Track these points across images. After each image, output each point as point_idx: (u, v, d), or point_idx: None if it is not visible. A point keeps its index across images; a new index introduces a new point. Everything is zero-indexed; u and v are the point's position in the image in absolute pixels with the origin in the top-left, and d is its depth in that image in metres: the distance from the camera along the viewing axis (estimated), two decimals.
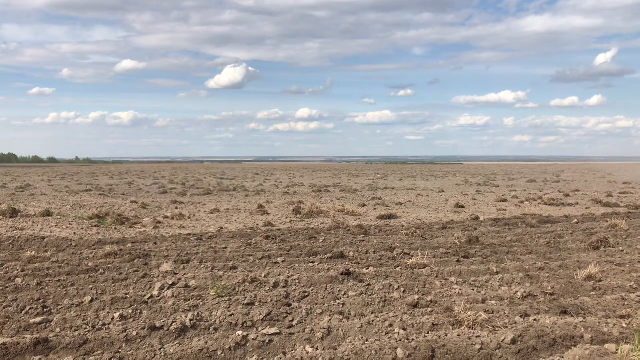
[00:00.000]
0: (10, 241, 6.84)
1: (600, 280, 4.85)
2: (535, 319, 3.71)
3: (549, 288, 4.52)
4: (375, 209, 11.82)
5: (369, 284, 4.63)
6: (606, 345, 3.24)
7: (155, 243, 6.86)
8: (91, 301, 4.10)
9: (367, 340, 3.34)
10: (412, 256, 5.84)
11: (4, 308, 3.96)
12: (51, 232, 7.86)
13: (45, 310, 3.95)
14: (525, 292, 4.39)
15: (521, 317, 3.76)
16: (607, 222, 8.72)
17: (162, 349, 3.25)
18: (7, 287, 4.51)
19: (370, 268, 5.32)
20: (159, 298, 4.22)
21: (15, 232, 7.77)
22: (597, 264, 5.33)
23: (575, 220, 9.41)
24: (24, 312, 3.89)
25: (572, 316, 3.83)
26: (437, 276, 5.03)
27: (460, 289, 4.54)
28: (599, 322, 3.63)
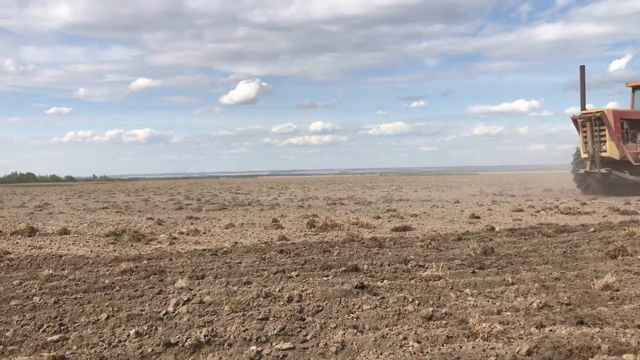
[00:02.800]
0: (28, 260, 6.93)
1: (617, 290, 4.80)
2: (551, 330, 3.68)
3: (565, 298, 4.48)
4: (389, 221, 11.80)
5: (383, 297, 4.61)
6: (624, 356, 3.20)
7: (171, 259, 6.91)
8: (107, 318, 4.14)
9: (381, 354, 3.33)
10: (427, 268, 5.82)
11: (22, 326, 4.01)
12: (68, 250, 7.96)
13: (62, 328, 3.99)
14: (541, 302, 4.35)
15: (537, 328, 3.72)
16: (625, 230, 8.62)
17: None
18: (25, 306, 4.57)
19: (385, 281, 5.32)
20: (174, 314, 4.25)
21: (33, 250, 7.88)
22: (614, 273, 5.27)
23: (592, 229, 9.31)
24: (41, 330, 3.94)
25: (589, 326, 3.79)
26: (451, 288, 5.01)
27: (475, 301, 4.51)
28: (616, 332, 3.58)
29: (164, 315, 4.22)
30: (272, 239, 8.93)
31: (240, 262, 6.51)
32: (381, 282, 5.22)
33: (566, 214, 12.93)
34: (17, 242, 8.81)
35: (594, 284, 4.92)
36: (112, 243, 8.59)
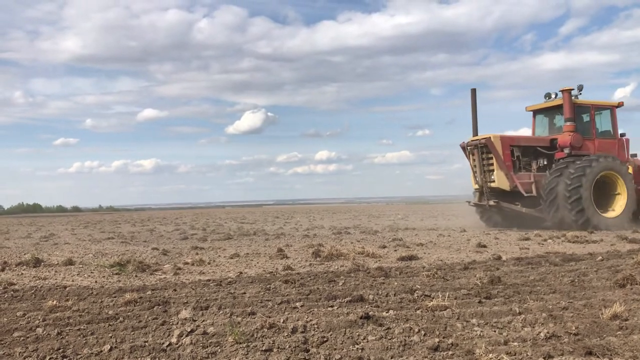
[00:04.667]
0: (32, 291, 6.92)
1: (626, 319, 4.73)
2: None
3: (573, 328, 4.42)
4: (395, 250, 11.75)
5: (388, 328, 4.57)
6: None
7: (175, 290, 6.88)
8: (110, 350, 4.11)
9: None
10: (433, 298, 5.77)
11: (25, 358, 3.98)
12: (73, 281, 7.94)
13: (64, 359, 3.96)
14: (548, 332, 4.29)
15: (544, 358, 3.67)
16: (633, 258, 8.54)
17: None
18: (28, 337, 4.54)
19: (390, 311, 5.27)
20: (177, 345, 4.21)
21: (38, 281, 7.86)
22: (623, 302, 5.21)
23: (600, 258, 9.23)
24: None
25: (598, 357, 3.73)
26: (458, 318, 4.95)
27: (481, 331, 4.46)
28: None
29: (167, 346, 4.19)
30: (277, 268, 8.89)
31: (244, 293, 6.48)
32: (387, 313, 5.17)
33: (573, 242, 12.84)
34: (22, 273, 8.80)
35: (602, 314, 4.86)
36: (116, 274, 8.57)
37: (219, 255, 11.25)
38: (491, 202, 18.31)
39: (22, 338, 4.52)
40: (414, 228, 20.97)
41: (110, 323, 4.98)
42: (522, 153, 18.52)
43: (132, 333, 4.60)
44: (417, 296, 5.99)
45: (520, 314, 5.05)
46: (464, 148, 19.29)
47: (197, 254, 11.52)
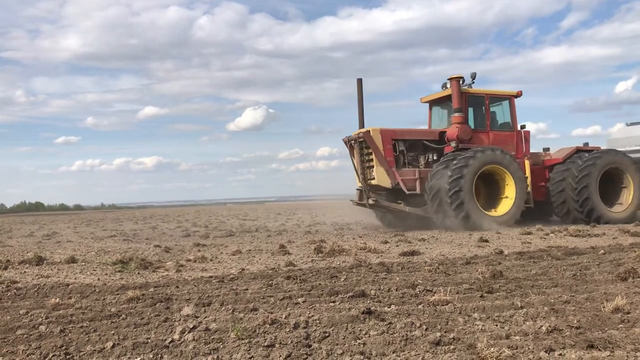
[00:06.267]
0: (35, 289, 6.93)
1: (628, 313, 4.74)
2: (560, 354, 3.63)
3: (575, 321, 4.42)
4: (397, 245, 11.74)
5: (390, 323, 4.58)
6: None
7: (177, 287, 6.89)
8: (113, 347, 4.12)
9: None
10: (435, 293, 5.77)
11: (28, 356, 4.00)
12: (75, 278, 7.95)
13: (67, 357, 3.98)
14: (550, 326, 4.30)
15: (546, 352, 3.67)
16: (635, 252, 8.53)
17: None
18: (31, 335, 4.56)
19: (392, 306, 5.27)
20: (179, 342, 4.22)
21: (40, 279, 7.88)
22: (624, 296, 5.21)
23: (602, 251, 9.23)
24: (46, 359, 3.93)
25: (599, 350, 3.73)
26: (459, 312, 4.96)
27: (483, 325, 4.47)
28: (627, 356, 3.53)
29: (169, 343, 4.20)
30: (279, 265, 8.90)
31: (246, 289, 6.49)
32: (388, 308, 5.18)
33: (575, 236, 12.83)
34: (25, 271, 8.82)
35: (604, 307, 4.87)
36: (119, 271, 8.59)
37: (221, 252, 11.26)
38: (370, 201, 16.63)
39: (25, 336, 4.54)
40: None
41: (113, 320, 5.00)
42: (407, 148, 16.96)
43: (134, 330, 4.61)
44: (419, 291, 5.99)
45: (522, 308, 5.05)
46: (346, 143, 17.57)
47: (199, 251, 11.54)
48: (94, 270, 8.81)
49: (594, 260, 8.16)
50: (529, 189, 16.59)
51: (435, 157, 17.01)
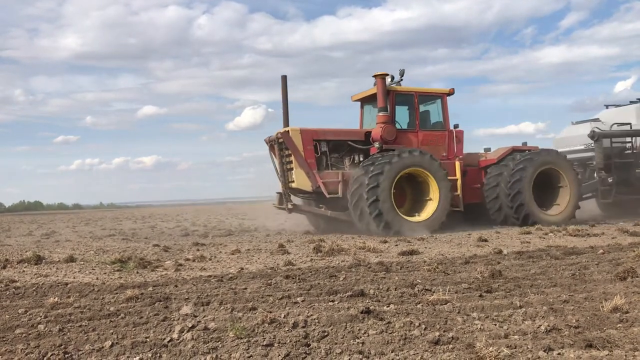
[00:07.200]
0: (34, 288, 6.93)
1: (627, 312, 4.74)
2: (559, 353, 3.63)
3: (574, 321, 4.43)
4: (396, 245, 11.75)
5: (389, 322, 4.58)
6: None
7: (176, 286, 6.89)
8: (111, 346, 4.12)
9: None
10: (434, 292, 5.78)
11: (26, 355, 3.99)
12: (74, 277, 7.95)
13: (66, 356, 3.97)
14: (549, 325, 4.30)
15: (544, 351, 3.68)
16: (634, 251, 8.53)
17: None
18: (29, 334, 4.56)
19: (391, 305, 5.27)
20: (178, 341, 4.22)
21: (39, 278, 7.87)
22: (623, 295, 5.21)
23: (601, 251, 9.23)
24: (45, 358, 3.92)
25: (598, 349, 3.73)
26: (458, 312, 4.96)
27: (482, 325, 4.47)
28: (625, 355, 3.53)
29: (168, 342, 4.20)
30: (278, 264, 8.90)
31: (245, 288, 6.49)
32: (387, 307, 5.18)
33: (575, 235, 12.84)
34: (24, 271, 8.82)
35: (603, 306, 4.87)
36: (118, 270, 8.58)
37: (220, 252, 11.26)
38: (289, 205, 15.92)
39: (23, 335, 4.53)
40: None
41: (112, 319, 5.00)
42: (330, 149, 15.93)
43: (133, 329, 4.61)
44: (418, 290, 5.99)
45: (520, 307, 5.06)
46: (267, 143, 16.67)
47: (198, 250, 11.54)
48: (93, 269, 8.80)
49: (593, 260, 8.17)
50: (459, 191, 15.76)
51: (361, 159, 16.13)
